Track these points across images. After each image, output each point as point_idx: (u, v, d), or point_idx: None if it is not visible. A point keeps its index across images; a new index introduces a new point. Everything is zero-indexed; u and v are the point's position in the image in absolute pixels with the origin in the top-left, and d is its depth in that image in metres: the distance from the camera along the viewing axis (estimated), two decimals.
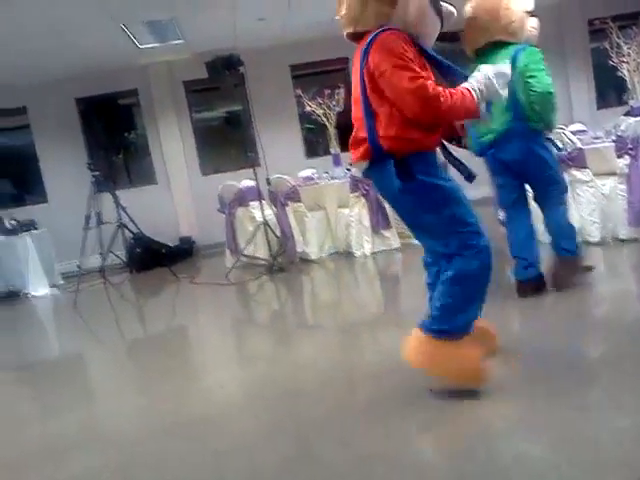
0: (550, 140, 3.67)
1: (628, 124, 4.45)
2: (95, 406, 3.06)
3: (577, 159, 4.64)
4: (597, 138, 5.19)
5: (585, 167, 4.64)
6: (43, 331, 5.58)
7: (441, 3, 2.22)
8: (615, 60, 5.66)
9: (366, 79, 2.12)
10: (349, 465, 1.92)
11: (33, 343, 4.87)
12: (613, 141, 4.65)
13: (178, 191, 9.08)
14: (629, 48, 5.53)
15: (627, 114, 5.29)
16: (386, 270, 5.51)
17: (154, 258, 7.42)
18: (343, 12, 2.22)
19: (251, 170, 6.05)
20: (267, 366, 3.12)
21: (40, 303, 6.68)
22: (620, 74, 5.65)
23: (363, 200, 5.99)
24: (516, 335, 3.05)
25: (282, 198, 6.15)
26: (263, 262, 6.10)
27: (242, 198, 6.54)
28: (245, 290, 5.52)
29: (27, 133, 8.93)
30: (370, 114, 2.13)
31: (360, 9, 2.15)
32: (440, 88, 2.05)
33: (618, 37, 5.68)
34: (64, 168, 8.70)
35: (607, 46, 5.81)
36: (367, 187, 5.80)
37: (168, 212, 8.91)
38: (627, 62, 5.49)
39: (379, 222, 5.89)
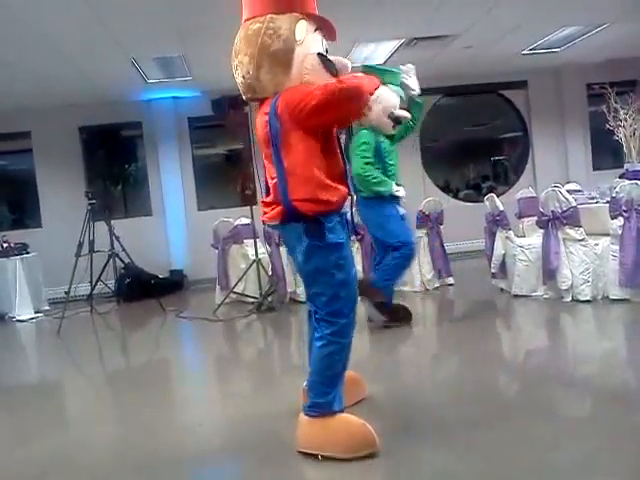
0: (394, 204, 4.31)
1: (622, 187, 4.50)
2: (69, 435, 2.97)
3: (571, 217, 4.68)
4: (592, 198, 5.26)
5: (579, 226, 4.68)
6: (24, 356, 5.49)
7: (331, 59, 2.24)
8: (612, 124, 5.77)
9: (281, 138, 2.15)
10: None
11: (13, 367, 4.77)
12: (607, 202, 4.70)
13: (173, 224, 9.07)
14: (626, 113, 5.65)
15: (622, 177, 5.37)
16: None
17: (143, 289, 7.35)
18: (239, 80, 2.27)
19: (247, 208, 6.07)
20: (247, 406, 3.06)
21: (24, 327, 6.59)
22: (616, 138, 5.76)
23: (357, 244, 6.01)
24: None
25: (276, 238, 6.15)
26: (253, 300, 6.06)
27: (237, 235, 6.55)
28: (232, 327, 5.45)
29: (29, 157, 8.97)
30: (283, 177, 2.18)
31: (256, 77, 2.18)
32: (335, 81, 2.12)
33: (615, 102, 5.81)
34: (62, 194, 8.70)
35: (605, 110, 5.94)
36: (362, 232, 5.81)
37: (161, 244, 8.87)
38: (623, 127, 5.60)
39: (371, 266, 5.88)
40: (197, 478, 2.22)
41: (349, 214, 2.40)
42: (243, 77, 2.22)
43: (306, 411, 2.28)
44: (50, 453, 2.63)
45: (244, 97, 2.33)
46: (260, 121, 2.26)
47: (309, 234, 2.20)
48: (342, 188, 2.26)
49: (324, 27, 2.29)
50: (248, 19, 2.23)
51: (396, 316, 4.44)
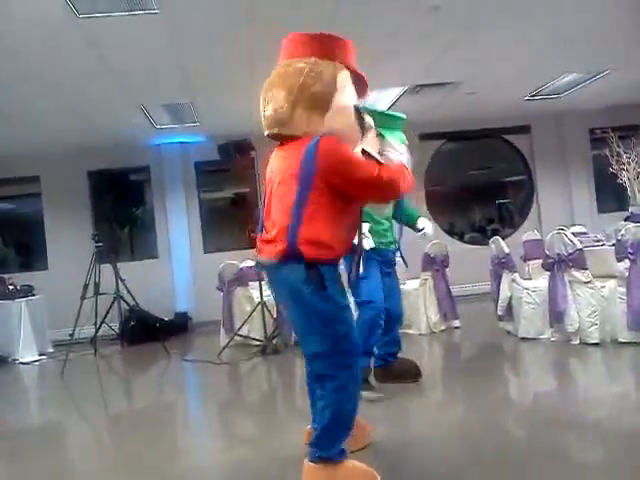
0: None
1: (628, 229, 4.51)
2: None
3: (577, 260, 4.67)
4: (598, 241, 5.25)
5: (585, 268, 4.66)
6: (27, 399, 5.43)
7: (364, 117, 2.29)
8: (615, 168, 5.82)
9: (312, 183, 2.12)
10: None
11: (15, 411, 4.72)
12: (613, 245, 4.70)
13: (178, 267, 9.09)
14: (629, 157, 5.70)
15: (627, 219, 5.37)
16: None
17: (148, 331, 7.31)
18: (268, 113, 2.24)
19: (253, 250, 6.08)
20: (250, 452, 3.00)
21: (27, 370, 6.54)
22: (620, 181, 5.79)
23: None
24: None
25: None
26: (258, 343, 6.01)
27: (242, 278, 6.55)
28: (237, 371, 5.40)
29: (37, 201, 9.08)
30: (299, 217, 2.13)
31: (289, 114, 2.16)
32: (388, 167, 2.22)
33: (618, 146, 5.87)
34: (69, 237, 8.76)
35: (607, 154, 6.00)
36: None
37: (166, 286, 8.87)
38: (627, 170, 5.64)
39: None
40: None
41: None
42: (274, 110, 2.19)
43: (311, 458, 2.22)
44: None
45: (266, 132, 2.29)
46: (285, 158, 2.24)
47: (311, 281, 2.13)
48: (349, 240, 2.30)
49: (359, 83, 2.34)
50: (289, 57, 2.27)
51: (402, 373, 4.07)
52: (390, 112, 3.99)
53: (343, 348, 2.17)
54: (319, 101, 2.15)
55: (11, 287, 7.25)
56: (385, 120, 3.70)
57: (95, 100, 6.45)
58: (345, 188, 2.15)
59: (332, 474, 2.18)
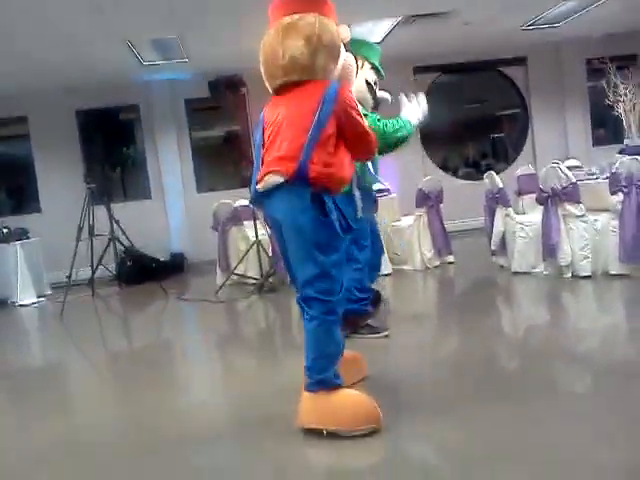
0: None
1: (622, 162, 4.49)
2: (70, 418, 2.99)
3: (571, 194, 4.67)
4: (592, 174, 5.24)
5: (579, 202, 4.67)
6: (27, 340, 5.51)
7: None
8: (612, 99, 5.74)
9: (328, 119, 2.27)
10: None
11: (16, 352, 4.81)
12: (607, 178, 4.69)
13: (172, 207, 9.07)
14: (625, 88, 5.61)
15: (621, 152, 5.35)
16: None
17: (144, 272, 7.37)
18: (285, 62, 2.34)
19: (246, 190, 6.04)
20: (250, 385, 3.08)
21: (26, 312, 6.61)
22: (616, 113, 5.73)
23: None
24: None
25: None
26: (254, 281, 6.08)
27: (236, 217, 6.54)
28: (234, 309, 5.48)
29: (26, 142, 8.93)
30: (314, 141, 2.25)
31: (310, 60, 2.33)
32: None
33: (615, 77, 5.77)
34: (60, 179, 8.68)
35: (604, 85, 5.90)
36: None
37: (161, 227, 8.88)
38: (623, 102, 5.57)
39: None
40: (199, 457, 2.24)
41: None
42: (294, 57, 2.31)
43: (307, 387, 2.29)
44: (51, 436, 2.65)
45: (282, 80, 2.38)
46: (299, 99, 2.34)
47: (315, 205, 2.22)
48: (349, 174, 2.41)
49: None
50: (290, 14, 2.38)
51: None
52: (370, 41, 3.88)
53: (332, 274, 2.27)
54: (334, 50, 2.37)
55: (5, 230, 7.23)
56: (367, 49, 3.62)
57: (80, 36, 6.24)
58: (347, 133, 2.34)
59: (329, 401, 2.25)
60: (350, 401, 2.28)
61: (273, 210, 2.34)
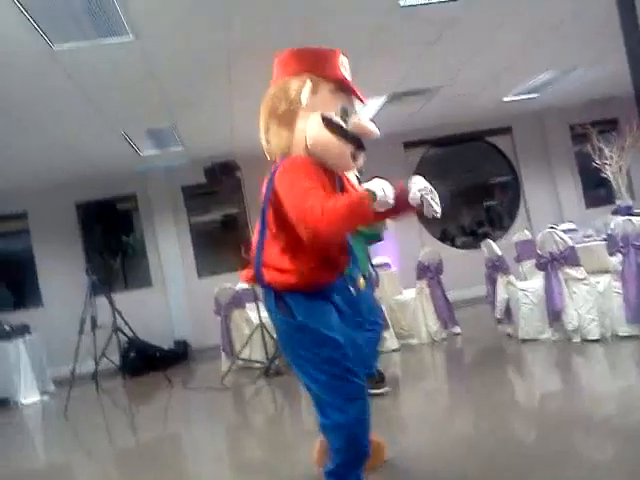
0: None
1: (617, 223, 4.56)
2: None
3: (570, 257, 4.71)
4: (588, 236, 5.30)
5: (579, 265, 4.70)
6: (31, 441, 5.37)
7: (339, 122, 2.07)
8: (598, 162, 5.89)
9: (270, 205, 2.04)
10: None
11: (20, 454, 4.67)
12: (604, 239, 4.75)
13: (173, 294, 9.07)
14: (610, 151, 5.77)
15: (615, 213, 5.43)
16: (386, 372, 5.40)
17: (148, 362, 7.29)
18: (264, 143, 2.20)
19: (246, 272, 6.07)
20: (262, 477, 2.99)
21: (30, 411, 6.47)
22: (604, 175, 5.86)
23: None
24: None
25: None
26: (259, 365, 6.00)
27: (238, 300, 6.54)
28: (241, 395, 5.38)
29: (26, 238, 9.04)
30: (262, 240, 2.08)
31: (265, 140, 2.16)
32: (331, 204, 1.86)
33: (599, 141, 5.94)
34: (61, 272, 8.72)
35: (589, 149, 6.07)
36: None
37: (163, 315, 8.85)
38: (610, 164, 5.71)
39: None
40: None
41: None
42: (262, 140, 2.18)
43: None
44: None
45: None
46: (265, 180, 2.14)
47: (279, 309, 2.06)
48: (332, 265, 2.10)
49: (344, 89, 2.16)
50: (273, 81, 2.22)
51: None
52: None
53: (336, 373, 2.02)
54: (284, 120, 2.08)
55: (7, 327, 7.19)
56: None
57: (77, 131, 6.46)
58: (284, 211, 1.98)
59: None
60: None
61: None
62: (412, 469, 2.71)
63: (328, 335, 2.03)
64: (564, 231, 5.22)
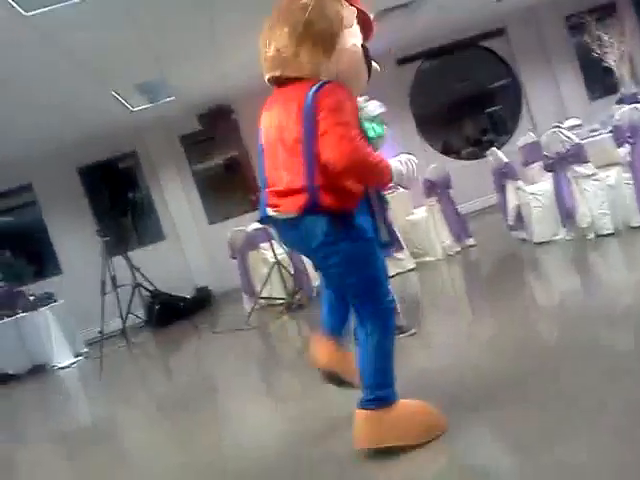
0: None
1: (622, 113, 4.45)
2: (134, 468, 3.01)
3: (577, 155, 4.63)
4: (594, 131, 5.21)
5: (587, 161, 4.63)
6: (72, 401, 5.57)
7: (371, 60, 2.12)
8: (599, 52, 5.71)
9: (314, 131, 1.98)
10: None
11: (64, 414, 4.85)
12: (610, 132, 4.65)
13: (188, 243, 9.15)
14: (610, 38, 5.58)
15: (619, 102, 5.30)
16: (404, 293, 5.46)
17: (173, 312, 7.45)
18: (270, 54, 2.10)
19: (256, 213, 6.08)
20: (298, 409, 3.08)
21: (66, 374, 6.69)
22: (606, 64, 5.69)
23: None
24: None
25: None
26: (281, 301, 6.10)
27: (252, 241, 6.58)
28: (267, 332, 5.50)
29: (35, 209, 9.09)
30: (312, 162, 2.00)
31: (293, 53, 2.04)
32: (369, 150, 2.00)
33: (597, 29, 5.74)
34: (74, 238, 8.81)
35: (588, 39, 5.87)
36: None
37: (181, 265, 8.96)
38: (611, 52, 5.54)
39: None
40: None
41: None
42: (277, 50, 2.06)
43: (367, 406, 2.12)
44: None
45: (267, 75, 2.16)
46: (285, 102, 2.09)
47: (335, 226, 2.02)
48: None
49: (364, 24, 2.18)
50: None
51: None
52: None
53: (375, 291, 2.14)
54: (325, 39, 2.03)
55: (32, 298, 7.33)
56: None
57: (67, 96, 6.38)
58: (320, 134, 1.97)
59: (389, 417, 2.11)
60: (412, 412, 2.16)
61: (290, 239, 2.24)
62: (438, 380, 2.77)
63: (375, 252, 2.15)
64: (570, 128, 5.13)
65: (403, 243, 5.84)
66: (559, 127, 4.94)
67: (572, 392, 2.21)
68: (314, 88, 1.99)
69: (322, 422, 2.70)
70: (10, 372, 6.94)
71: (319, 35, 2.03)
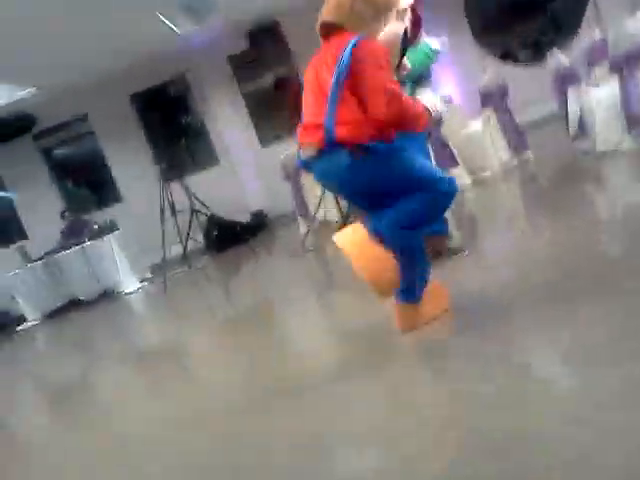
0: None
1: None
2: (199, 386, 3.10)
3: None
4: None
5: None
6: (141, 322, 5.84)
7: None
8: None
9: (350, 70, 2.13)
10: None
11: (134, 334, 5.11)
12: None
13: (242, 167, 9.19)
14: None
15: None
16: (460, 212, 5.33)
17: (230, 237, 7.60)
18: (333, 1, 2.26)
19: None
20: (359, 325, 3.07)
21: (134, 298, 7.01)
22: None
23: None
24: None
25: None
26: (336, 223, 6.09)
27: None
28: (324, 254, 5.53)
29: (92, 138, 9.29)
30: (335, 101, 2.14)
31: (350, 4, 2.20)
32: (404, 99, 2.14)
33: None
34: (132, 165, 9.01)
35: None
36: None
37: (236, 190, 9.05)
38: None
39: (445, 162, 5.71)
40: (341, 387, 2.27)
41: None
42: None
43: (408, 299, 2.42)
44: (183, 407, 2.78)
45: (322, 19, 2.29)
46: (326, 51, 2.25)
47: (353, 155, 2.15)
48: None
49: (414, 22, 2.37)
50: None
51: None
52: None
53: (421, 185, 2.23)
54: (384, 7, 2.23)
55: (96, 226, 7.61)
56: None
57: (117, 22, 6.32)
58: (359, 90, 2.13)
59: (419, 304, 2.46)
60: (436, 294, 2.53)
61: (323, 177, 2.34)
62: (498, 297, 2.70)
63: (407, 151, 2.25)
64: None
65: (458, 159, 5.66)
66: (629, 22, 4.55)
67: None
68: (353, 40, 2.13)
69: (382, 331, 2.69)
70: (81, 298, 7.35)
71: (381, 4, 2.22)
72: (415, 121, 2.21)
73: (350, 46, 2.12)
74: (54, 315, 7.43)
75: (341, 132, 2.13)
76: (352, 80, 2.13)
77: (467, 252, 3.54)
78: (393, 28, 2.26)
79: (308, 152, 2.26)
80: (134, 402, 3.24)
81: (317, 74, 2.24)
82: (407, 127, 2.23)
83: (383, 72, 2.11)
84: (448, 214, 3.64)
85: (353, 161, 2.15)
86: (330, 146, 2.17)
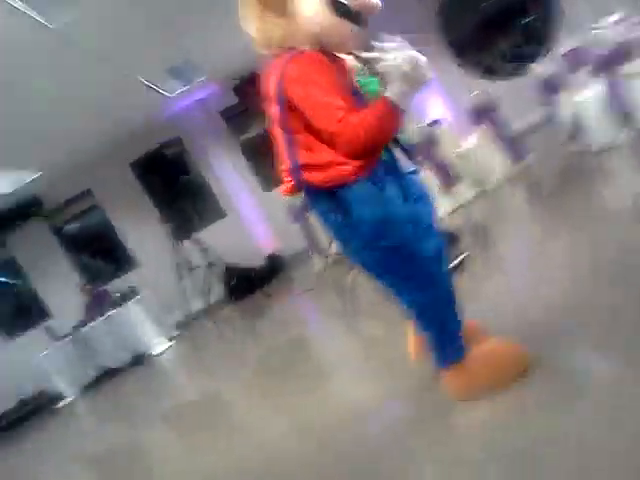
0: None
1: None
2: (243, 437, 3.16)
3: (624, 54, 4.45)
4: None
5: (636, 58, 4.45)
6: (177, 379, 5.87)
7: (344, 2, 1.79)
8: None
9: (288, 110, 1.82)
10: None
11: (170, 392, 5.14)
12: None
13: (248, 214, 9.35)
14: None
15: None
16: (468, 224, 5.45)
17: (250, 283, 7.72)
18: (253, 34, 1.93)
19: None
20: (387, 352, 3.12)
21: (164, 358, 7.08)
22: None
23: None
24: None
25: None
26: None
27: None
28: (343, 287, 5.59)
29: (99, 211, 9.49)
30: (288, 141, 1.85)
31: (263, 28, 1.88)
32: (356, 118, 1.71)
33: None
34: (142, 230, 9.16)
35: None
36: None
37: (246, 237, 9.18)
38: None
39: (447, 179, 5.85)
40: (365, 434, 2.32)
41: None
42: (256, 30, 1.92)
43: (439, 365, 2.07)
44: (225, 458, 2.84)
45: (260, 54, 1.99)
46: (266, 79, 1.89)
47: (333, 210, 1.86)
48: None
49: None
50: None
51: None
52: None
53: (403, 264, 1.92)
54: (278, 3, 1.83)
55: (118, 295, 7.75)
56: None
57: (102, 96, 6.56)
58: (301, 114, 1.79)
59: (465, 369, 2.02)
60: (487, 355, 2.03)
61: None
62: (509, 303, 2.74)
63: (403, 217, 1.88)
64: (615, 22, 4.89)
65: (459, 176, 5.81)
66: (600, 28, 4.74)
67: None
68: (280, 62, 1.83)
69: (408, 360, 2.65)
70: (113, 366, 7.43)
71: (274, 2, 1.84)
72: (390, 126, 1.75)
73: (278, 74, 1.82)
74: (89, 388, 7.50)
75: (308, 178, 1.86)
76: (293, 112, 1.81)
77: (468, 253, 3.61)
78: (305, 6, 1.81)
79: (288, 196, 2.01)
80: (186, 464, 3.24)
81: (268, 109, 1.92)
82: (386, 139, 1.83)
83: (316, 87, 1.74)
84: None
85: (329, 206, 1.86)
86: (307, 192, 1.90)
